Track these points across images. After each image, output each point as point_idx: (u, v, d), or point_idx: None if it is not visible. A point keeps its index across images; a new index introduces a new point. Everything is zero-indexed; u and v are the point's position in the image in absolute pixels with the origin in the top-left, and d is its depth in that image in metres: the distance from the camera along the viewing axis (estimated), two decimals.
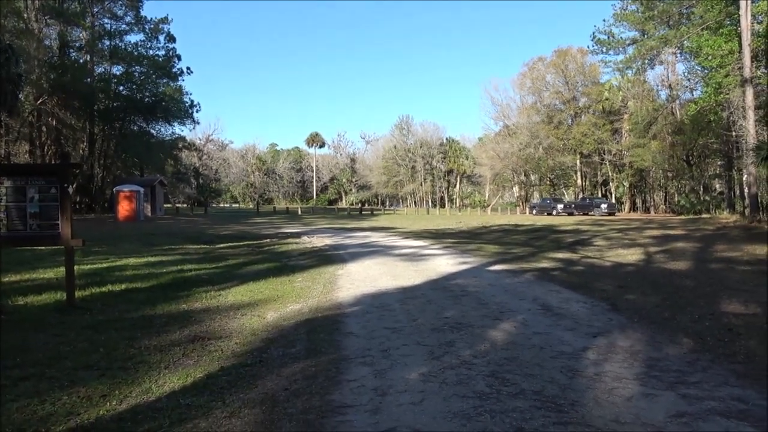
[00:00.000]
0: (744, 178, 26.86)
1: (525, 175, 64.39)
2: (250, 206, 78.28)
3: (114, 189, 34.54)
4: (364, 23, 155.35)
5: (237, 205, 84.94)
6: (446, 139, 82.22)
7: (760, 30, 23.74)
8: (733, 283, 8.26)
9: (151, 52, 43.98)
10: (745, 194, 25.94)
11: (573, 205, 44.28)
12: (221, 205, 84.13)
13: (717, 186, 42.37)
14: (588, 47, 47.47)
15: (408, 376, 4.04)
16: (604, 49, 44.08)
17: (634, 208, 50.70)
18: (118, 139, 43.87)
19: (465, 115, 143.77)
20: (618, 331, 5.40)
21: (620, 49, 42.97)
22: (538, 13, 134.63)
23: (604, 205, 41.56)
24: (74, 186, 32.92)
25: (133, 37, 63.30)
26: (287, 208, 66.24)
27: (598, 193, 54.63)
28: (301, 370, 4.22)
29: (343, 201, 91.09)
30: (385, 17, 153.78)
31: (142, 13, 43.53)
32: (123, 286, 8.25)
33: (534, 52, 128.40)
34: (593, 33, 43.56)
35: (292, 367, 4.29)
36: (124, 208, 32.16)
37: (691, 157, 39.51)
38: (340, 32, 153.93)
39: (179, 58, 44.90)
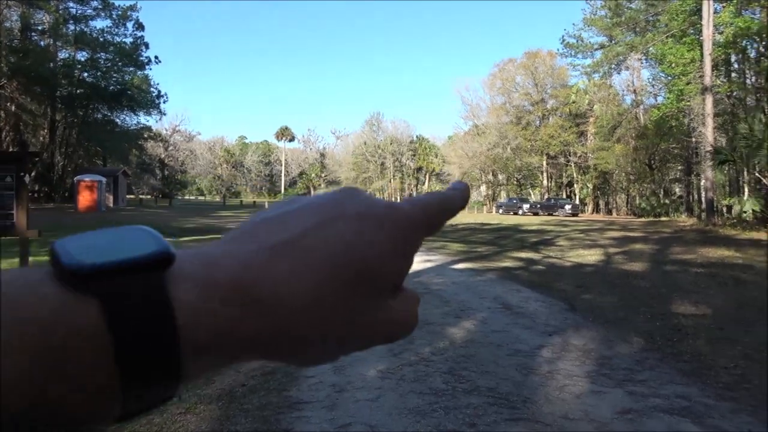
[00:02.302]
0: (702, 183, 27.80)
1: (493, 175, 65.18)
2: (217, 199, 77.29)
3: (75, 178, 33.65)
4: (338, 19, 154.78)
5: (203, 198, 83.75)
6: (416, 136, 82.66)
7: (721, 40, 24.55)
8: (686, 285, 8.55)
9: (117, 39, 42.98)
10: (703, 198, 26.84)
11: (538, 206, 45.03)
12: (187, 197, 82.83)
13: (677, 190, 43.69)
14: (557, 50, 48.56)
15: (366, 373, 4.09)
16: (573, 53, 45.14)
17: (597, 209, 51.86)
18: (80, 127, 42.73)
19: (435, 113, 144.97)
20: (573, 330, 5.55)
21: (588, 53, 44.03)
22: (510, 14, 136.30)
23: (568, 206, 42.37)
24: (32, 175, 31.95)
25: (100, 23, 61.71)
26: (255, 201, 65.65)
27: (563, 194, 55.72)
28: (260, 366, 4.22)
29: None
30: (359, 14, 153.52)
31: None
32: None
33: (505, 54, 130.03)
34: (563, 36, 44.55)
35: (251, 364, 4.29)
36: (84, 198, 31.37)
37: (653, 161, 40.59)
38: (314, 27, 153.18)
39: (147, 46, 44.03)
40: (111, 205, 35.71)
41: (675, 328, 5.65)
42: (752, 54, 27.68)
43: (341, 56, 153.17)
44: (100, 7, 42.36)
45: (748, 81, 28.35)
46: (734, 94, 27.12)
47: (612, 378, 4.04)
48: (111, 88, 42.77)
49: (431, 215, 0.32)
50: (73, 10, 42.08)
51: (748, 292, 7.80)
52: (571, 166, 53.91)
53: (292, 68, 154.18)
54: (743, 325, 5.76)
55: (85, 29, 42.05)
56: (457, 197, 0.35)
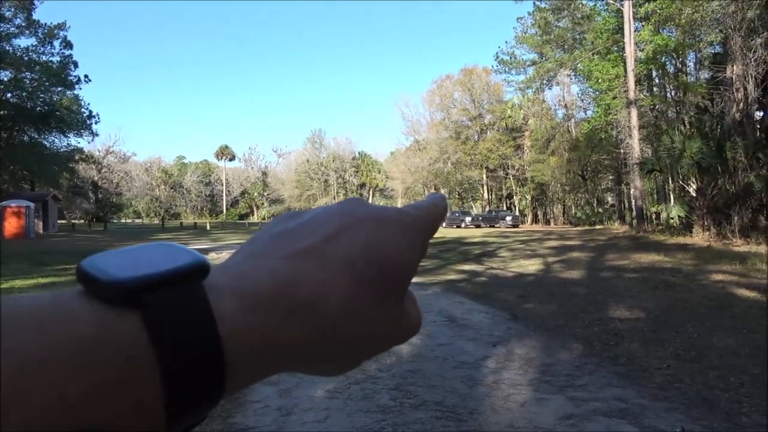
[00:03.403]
0: (631, 192, 29.17)
1: (435, 189, 66.11)
2: (155, 222, 74.81)
3: None
4: (275, 34, 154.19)
5: (140, 221, 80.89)
6: (359, 153, 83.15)
7: (643, 57, 26.02)
8: (621, 290, 8.93)
9: (44, 57, 41.13)
10: (633, 206, 28.18)
11: (480, 218, 45.97)
12: (123, 220, 79.81)
13: (609, 199, 45.73)
14: (492, 67, 50.06)
15: (313, 394, 4.04)
16: (507, 69, 46.65)
17: (536, 220, 53.50)
18: (4, 151, 40.50)
19: (377, 129, 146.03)
20: (516, 340, 5.69)
21: (521, 69, 45.65)
22: (447, 30, 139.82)
23: (508, 218, 43.46)
24: None
25: (24, 41, 59.05)
26: (195, 223, 63.91)
27: (503, 206, 57.22)
28: None
29: (255, 215, 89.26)
30: (299, 30, 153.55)
31: (35, 17, 40.70)
32: None
33: (443, 70, 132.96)
34: (497, 53, 46.02)
35: None
36: (11, 225, 29.66)
37: (585, 172, 42.34)
38: (252, 43, 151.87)
39: (76, 65, 42.32)
40: (41, 231, 33.92)
41: (611, 333, 5.88)
42: (671, 69, 29.48)
43: (281, 72, 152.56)
44: (23, 25, 40.53)
45: (668, 95, 30.13)
46: (657, 107, 28.74)
47: (554, 384, 4.16)
48: (38, 109, 40.82)
49: (436, 218, 0.34)
50: None
51: (677, 294, 8.23)
52: (509, 178, 55.50)
53: (230, 85, 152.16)
54: (673, 327, 6.07)
55: (8, 48, 40.08)
56: (442, 206, 0.36)
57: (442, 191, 65.46)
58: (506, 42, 65.46)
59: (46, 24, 41.10)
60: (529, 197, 53.88)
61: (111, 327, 0.21)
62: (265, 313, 0.25)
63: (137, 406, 0.21)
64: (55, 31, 41.27)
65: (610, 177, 42.44)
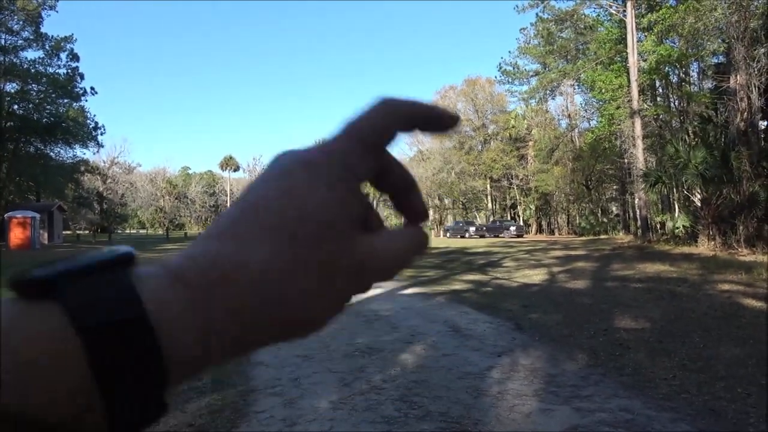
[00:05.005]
0: (636, 202, 29.11)
1: (439, 199, 66.13)
2: (160, 232, 74.98)
3: (6, 215, 31.94)
4: (279, 47, 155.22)
5: (145, 231, 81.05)
6: None
7: (646, 67, 26.06)
8: (626, 300, 8.89)
9: (51, 70, 41.49)
10: (638, 216, 28.10)
11: (484, 228, 45.91)
12: (128, 231, 79.98)
13: (613, 208, 45.58)
14: (495, 77, 50.16)
15: (318, 405, 4.03)
16: (510, 80, 46.73)
17: (540, 229, 53.39)
18: (11, 162, 40.74)
19: None
20: (520, 350, 5.66)
21: (524, 80, 45.73)
22: (450, 41, 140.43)
23: (513, 228, 43.38)
24: None
25: (31, 54, 59.57)
26: (200, 233, 63.94)
27: (507, 216, 57.11)
28: (207, 404, 4.09)
29: None
30: (299, 43, 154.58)
31: (43, 30, 41.10)
32: None
33: (446, 81, 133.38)
34: (500, 64, 46.07)
35: (198, 402, 4.15)
36: (16, 236, 29.78)
37: (589, 182, 42.29)
38: (256, 54, 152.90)
39: (82, 77, 42.68)
40: (46, 242, 34.04)
41: (617, 343, 5.84)
42: (674, 79, 29.50)
43: (284, 84, 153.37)
44: (31, 37, 40.94)
45: (672, 105, 30.13)
46: (660, 117, 28.72)
47: (559, 395, 4.14)
48: (44, 120, 41.10)
49: (367, 132, 0.31)
50: (2, 41, 40.51)
51: (683, 304, 8.18)
52: (513, 188, 55.45)
53: (234, 96, 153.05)
54: (679, 337, 6.03)
55: (15, 60, 40.46)
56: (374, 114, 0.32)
57: (446, 201, 65.52)
58: (509, 52, 65.49)
59: (53, 36, 41.52)
60: (533, 207, 53.78)
61: (25, 318, 0.21)
62: (191, 291, 0.24)
63: (70, 393, 0.21)
64: (62, 44, 41.67)
65: (615, 187, 42.35)
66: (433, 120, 0.33)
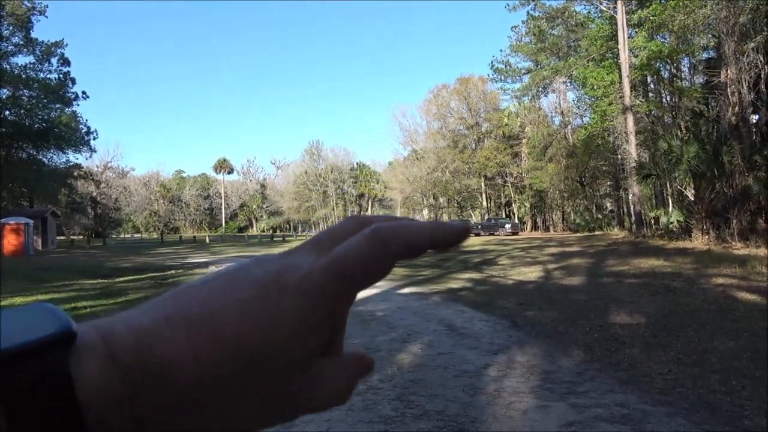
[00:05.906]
0: (630, 197, 29.22)
1: (434, 198, 66.26)
2: (154, 236, 74.77)
3: None
4: (273, 48, 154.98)
5: (139, 235, 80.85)
6: (357, 163, 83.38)
7: (637, 63, 26.17)
8: (621, 296, 8.92)
9: (42, 75, 41.28)
10: (632, 212, 28.21)
11: (480, 226, 45.97)
12: (122, 235, 79.75)
13: (608, 204, 45.76)
14: (488, 75, 50.38)
15: None
16: (503, 78, 46.93)
17: (535, 227, 53.48)
18: (3, 168, 40.51)
19: (375, 140, 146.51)
20: (517, 347, 5.68)
21: (517, 77, 45.94)
22: (442, 40, 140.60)
23: (508, 225, 43.46)
24: None
25: (22, 59, 59.34)
26: (194, 236, 63.93)
27: (502, 214, 57.22)
28: None
29: (254, 228, 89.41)
30: (295, 42, 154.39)
31: (33, 35, 40.89)
32: None
33: (439, 79, 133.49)
34: (492, 62, 46.27)
35: None
36: (10, 243, 29.60)
37: (583, 178, 42.40)
38: (249, 56, 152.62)
39: (74, 81, 42.49)
40: (40, 248, 33.87)
41: (612, 339, 5.87)
42: (665, 75, 29.64)
43: (278, 85, 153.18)
44: (21, 43, 40.73)
45: (663, 100, 30.27)
46: (652, 112, 28.86)
47: (555, 392, 4.15)
48: (36, 126, 40.90)
49: (348, 272, 0.27)
50: None
51: (678, 299, 8.22)
52: (508, 186, 55.55)
53: (228, 98, 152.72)
54: (674, 331, 6.06)
55: (6, 66, 40.24)
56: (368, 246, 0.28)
57: (441, 200, 65.61)
58: (501, 51, 65.94)
59: (44, 42, 41.34)
60: (527, 204, 53.89)
61: None
62: (124, 380, 0.23)
63: None
64: (53, 49, 41.48)
65: (609, 183, 42.51)
66: (439, 240, 0.29)
